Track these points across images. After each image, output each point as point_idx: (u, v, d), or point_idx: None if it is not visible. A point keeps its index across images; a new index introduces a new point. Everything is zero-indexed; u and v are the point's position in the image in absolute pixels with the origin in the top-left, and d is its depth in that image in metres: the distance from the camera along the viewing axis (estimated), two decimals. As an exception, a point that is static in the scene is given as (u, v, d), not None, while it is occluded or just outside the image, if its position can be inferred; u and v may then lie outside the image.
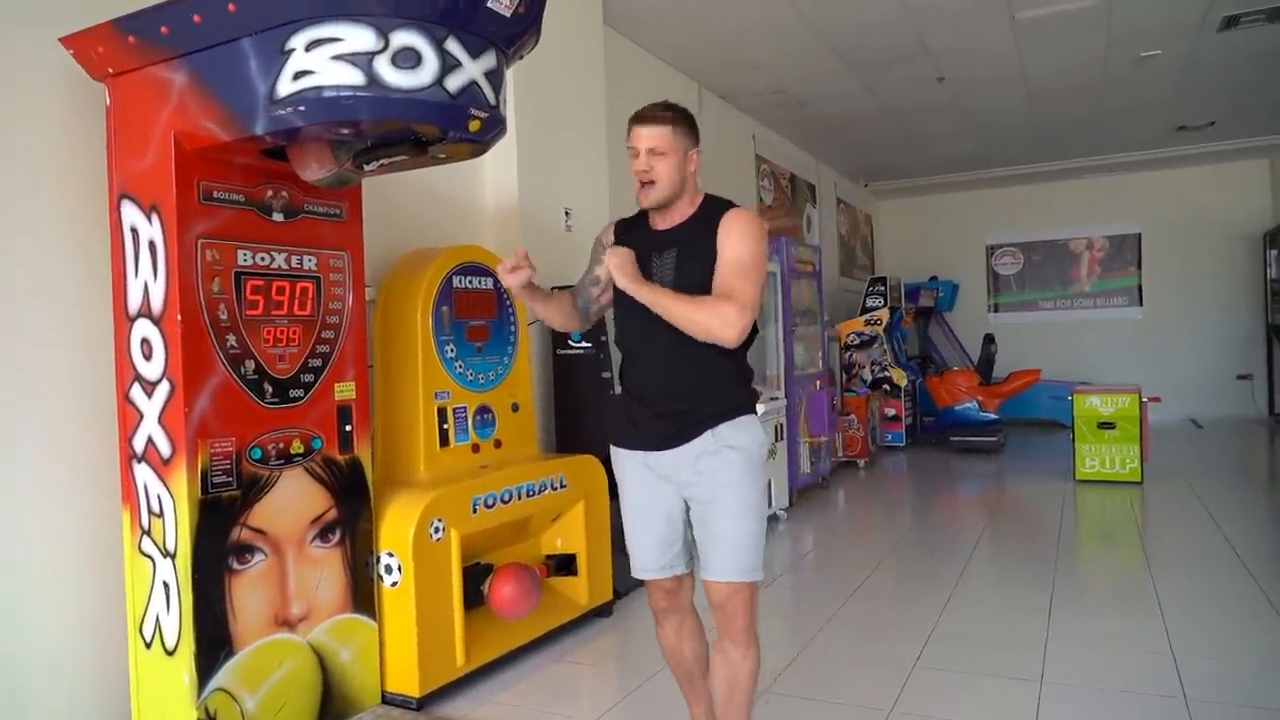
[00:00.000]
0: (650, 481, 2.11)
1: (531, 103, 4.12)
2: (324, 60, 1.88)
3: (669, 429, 2.06)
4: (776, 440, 5.49)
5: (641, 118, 2.07)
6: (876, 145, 8.83)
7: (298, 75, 1.90)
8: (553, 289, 2.43)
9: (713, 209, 2.11)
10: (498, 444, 3.33)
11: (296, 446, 2.52)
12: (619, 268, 2.01)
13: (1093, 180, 10.53)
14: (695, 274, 2.04)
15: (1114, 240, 10.72)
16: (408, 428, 3.11)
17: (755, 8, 5.07)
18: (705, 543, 2.06)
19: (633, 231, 2.19)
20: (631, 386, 2.13)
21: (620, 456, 2.17)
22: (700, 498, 2.05)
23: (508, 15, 2.00)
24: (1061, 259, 10.96)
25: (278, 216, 2.48)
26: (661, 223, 2.14)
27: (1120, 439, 6.32)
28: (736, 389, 2.08)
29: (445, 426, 3.14)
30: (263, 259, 2.44)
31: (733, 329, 1.94)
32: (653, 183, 2.05)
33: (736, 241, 2.03)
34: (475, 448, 3.24)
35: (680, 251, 2.07)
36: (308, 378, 2.55)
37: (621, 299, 2.14)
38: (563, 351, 4.06)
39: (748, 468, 2.02)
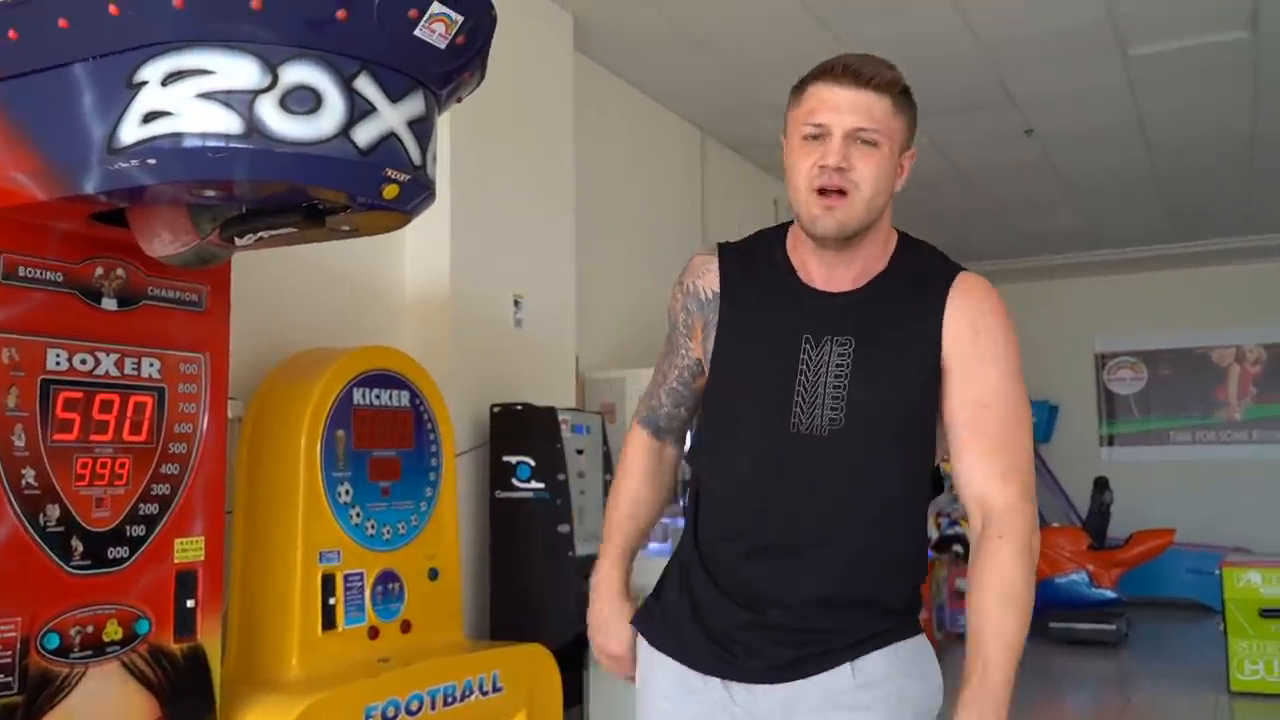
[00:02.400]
0: None
1: (472, 157, 4.21)
2: (187, 99, 1.90)
3: (783, 651, 1.71)
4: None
5: (846, 72, 1.69)
6: (944, 217, 9.04)
7: (149, 117, 1.92)
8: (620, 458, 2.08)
9: (922, 265, 1.79)
10: (406, 627, 3.28)
11: (112, 630, 2.45)
12: None
13: (1245, 267, 10.74)
14: (884, 392, 1.70)
15: (1275, 351, 10.89)
16: (277, 602, 3.06)
17: (779, 31, 5.25)
18: None
19: (758, 279, 1.82)
20: (726, 570, 1.77)
21: (662, 670, 1.83)
22: None
23: (442, 47, 2.05)
24: (1201, 374, 11.10)
25: (109, 304, 2.48)
26: (821, 275, 1.78)
27: (1289, 633, 6.26)
28: (906, 592, 1.76)
29: (332, 601, 3.10)
30: (84, 362, 2.42)
31: (1037, 550, 1.66)
32: (844, 193, 1.69)
33: (1000, 351, 1.71)
34: (374, 632, 3.19)
35: (861, 340, 1.72)
36: (137, 530, 2.50)
37: (738, 429, 1.78)
38: (504, 494, 4.03)
39: None
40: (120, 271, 2.49)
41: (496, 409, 4.11)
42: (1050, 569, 8.45)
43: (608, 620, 1.98)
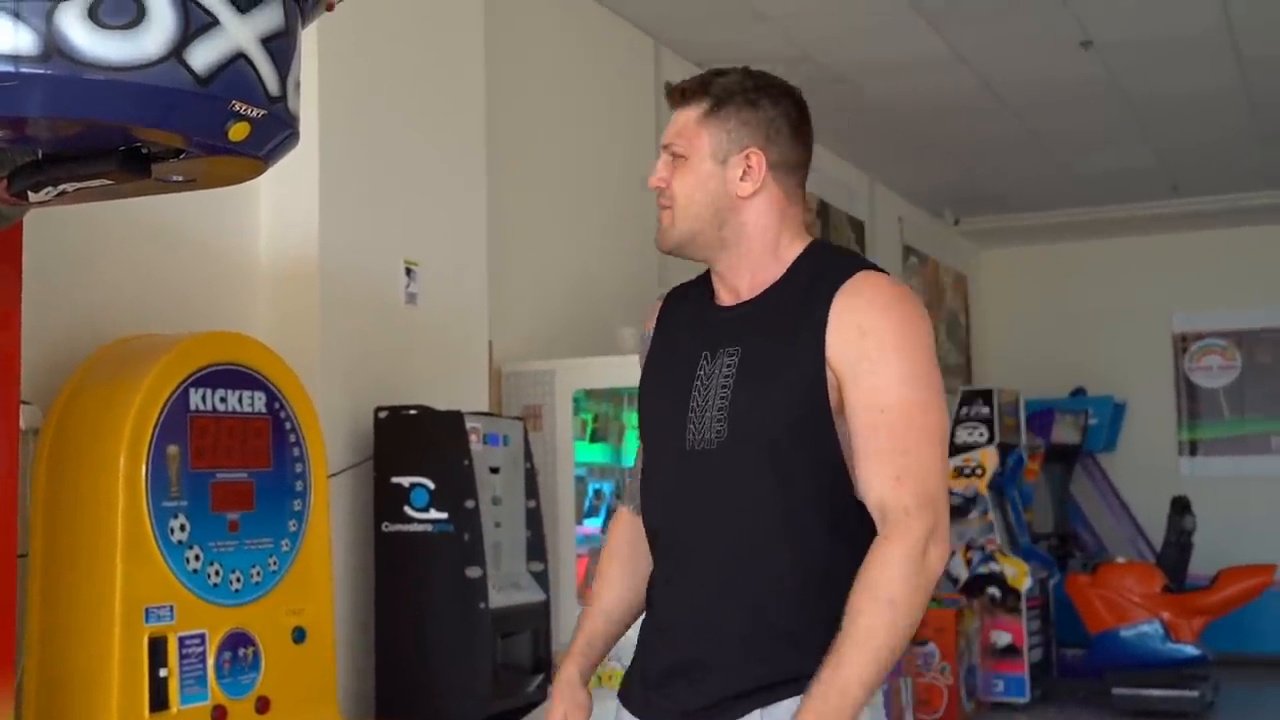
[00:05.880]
0: None
1: (349, 85, 4.20)
2: (-38, 8, 1.90)
3: (693, 696, 2.15)
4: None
5: (667, 93, 2.29)
6: (976, 155, 9.11)
7: (-90, 33, 1.91)
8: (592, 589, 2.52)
9: (817, 271, 2.20)
10: (263, 705, 3.29)
11: None
12: None
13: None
14: (765, 399, 2.12)
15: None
16: (89, 675, 3.05)
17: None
18: None
19: (689, 307, 2.35)
20: (654, 611, 2.29)
21: None
22: None
23: (308, -65, 2.06)
24: (1311, 362, 11.24)
25: None
26: (727, 293, 2.27)
27: None
28: (816, 627, 2.07)
29: (163, 672, 3.10)
30: None
31: (935, 561, 2.03)
32: (667, 208, 2.25)
33: (894, 351, 2.09)
34: (220, 713, 3.19)
35: (745, 353, 2.16)
36: (-101, 583, 2.50)
37: (647, 453, 2.32)
38: (394, 527, 4.04)
39: None
40: (-126, 236, 2.48)
41: (383, 414, 4.11)
42: (1114, 618, 8.56)
43: None
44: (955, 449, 9.02)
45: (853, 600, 2.00)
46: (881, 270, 2.19)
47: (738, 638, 2.12)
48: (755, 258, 2.22)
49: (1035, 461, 9.98)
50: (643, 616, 2.34)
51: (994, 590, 8.45)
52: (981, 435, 9.04)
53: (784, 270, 2.21)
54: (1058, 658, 9.23)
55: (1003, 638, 8.46)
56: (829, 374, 2.08)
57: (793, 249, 2.23)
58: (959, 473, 8.73)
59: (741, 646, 2.12)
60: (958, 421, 9.16)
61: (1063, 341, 11.67)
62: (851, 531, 2.10)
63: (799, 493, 2.11)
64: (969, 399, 9.26)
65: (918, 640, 7.47)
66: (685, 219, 2.21)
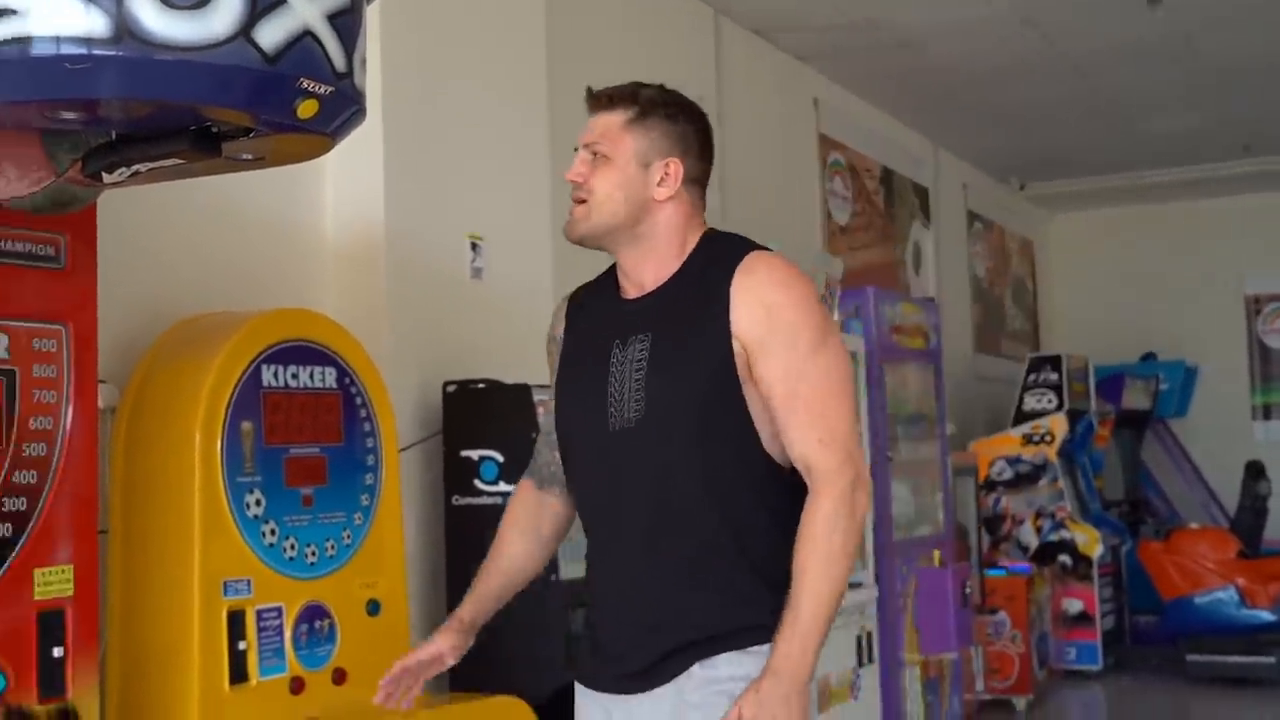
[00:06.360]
0: None
1: (412, 59, 4.20)
2: (36, -9, 1.92)
3: (635, 658, 2.32)
4: (860, 663, 5.46)
5: (589, 97, 2.43)
6: (1041, 119, 9.01)
7: (-13, 17, 1.94)
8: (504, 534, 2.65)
9: (712, 258, 2.38)
10: (340, 676, 3.32)
11: (-42, 689, 2.48)
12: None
13: None
14: (679, 384, 2.29)
15: None
16: (171, 648, 3.09)
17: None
18: None
19: (596, 304, 2.52)
20: (593, 584, 2.45)
21: (583, 704, 2.44)
22: None
23: (371, -85, 2.07)
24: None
25: (-62, 262, 2.50)
26: (632, 286, 2.45)
27: None
28: (760, 592, 2.28)
29: (242, 645, 3.13)
30: (-93, 339, 2.46)
31: (861, 506, 2.24)
32: (583, 201, 2.39)
33: (800, 322, 2.28)
34: (297, 684, 3.23)
35: (656, 338, 2.34)
36: (-17, 559, 2.53)
37: (571, 439, 2.45)
38: (464, 500, 4.07)
39: None
40: (-48, 220, 2.52)
41: (451, 388, 4.13)
42: (1188, 584, 8.50)
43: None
44: (1023, 415, 8.98)
45: (798, 558, 2.19)
46: (772, 250, 2.39)
47: (674, 597, 2.30)
48: (661, 253, 2.39)
49: (1105, 428, 9.91)
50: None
51: (1065, 558, 8.42)
52: (1050, 402, 8.99)
53: (682, 261, 2.40)
54: (1130, 625, 9.18)
55: (1074, 605, 8.43)
56: (736, 346, 2.26)
57: (691, 241, 2.41)
58: (1028, 440, 8.68)
59: (678, 606, 2.29)
60: (1026, 387, 9.11)
61: (1132, 306, 11.57)
62: (767, 487, 2.31)
63: (716, 458, 2.29)
64: (1037, 365, 9.20)
65: (988, 609, 7.45)
66: (602, 214, 2.36)
